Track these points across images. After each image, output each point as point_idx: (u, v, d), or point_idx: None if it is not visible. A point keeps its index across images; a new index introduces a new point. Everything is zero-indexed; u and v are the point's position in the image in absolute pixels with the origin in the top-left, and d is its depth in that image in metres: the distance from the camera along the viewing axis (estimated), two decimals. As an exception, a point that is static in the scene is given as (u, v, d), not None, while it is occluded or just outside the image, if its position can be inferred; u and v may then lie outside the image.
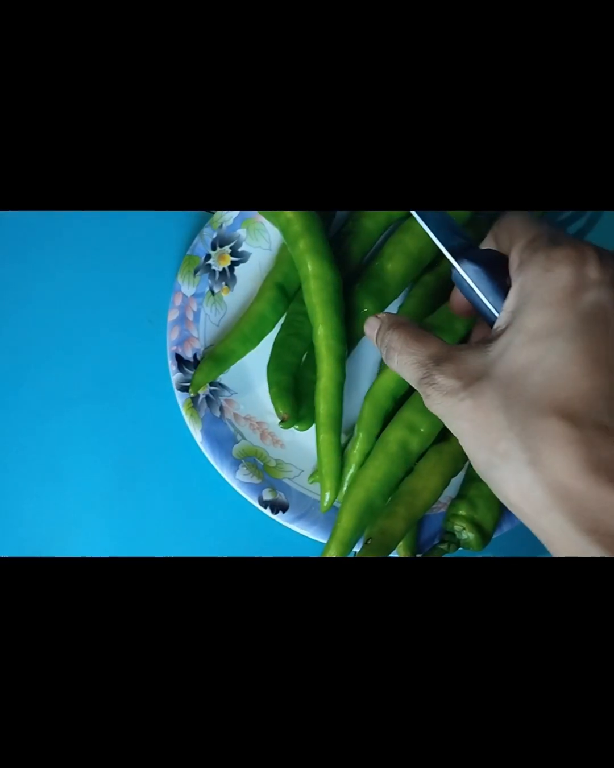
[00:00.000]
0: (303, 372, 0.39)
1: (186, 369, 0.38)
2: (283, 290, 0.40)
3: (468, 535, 0.36)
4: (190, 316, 0.40)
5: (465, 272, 0.28)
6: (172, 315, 0.39)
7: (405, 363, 0.27)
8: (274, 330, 0.40)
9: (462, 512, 0.37)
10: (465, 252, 0.29)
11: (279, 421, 0.37)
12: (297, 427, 0.38)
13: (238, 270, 0.41)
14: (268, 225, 0.42)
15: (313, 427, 0.37)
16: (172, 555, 0.38)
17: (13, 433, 0.39)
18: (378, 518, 0.35)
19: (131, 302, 0.41)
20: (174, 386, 0.38)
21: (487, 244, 0.30)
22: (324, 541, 0.37)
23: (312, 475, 0.39)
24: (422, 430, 0.35)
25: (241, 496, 0.38)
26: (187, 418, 0.38)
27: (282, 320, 0.40)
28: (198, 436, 0.38)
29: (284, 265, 0.40)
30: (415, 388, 0.27)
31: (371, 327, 0.31)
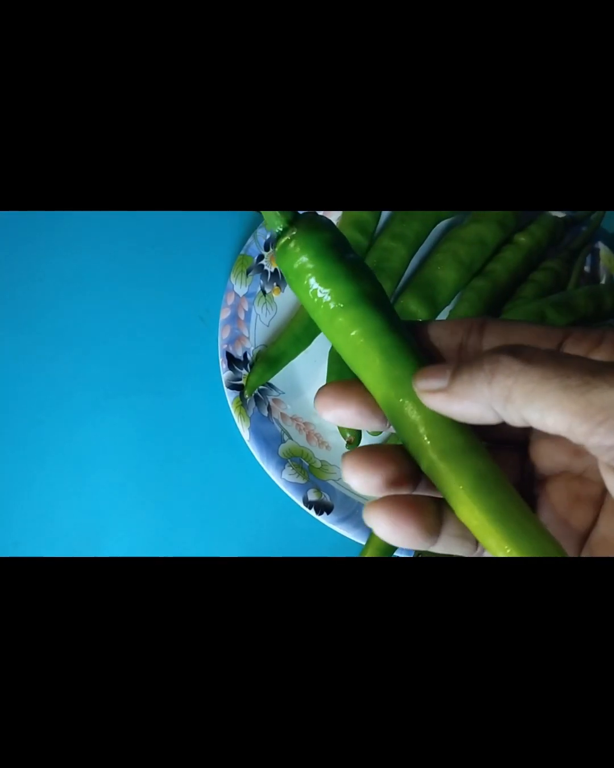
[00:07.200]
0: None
1: (236, 367, 0.39)
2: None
3: None
4: (242, 316, 0.40)
5: None
6: (224, 314, 0.40)
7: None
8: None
9: None
10: None
11: (346, 443, 0.37)
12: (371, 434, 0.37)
13: (290, 272, 0.42)
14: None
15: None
16: (214, 550, 0.38)
17: (63, 426, 0.39)
18: None
19: (184, 300, 0.42)
20: (224, 384, 0.39)
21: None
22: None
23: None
24: None
25: (285, 496, 0.38)
26: (235, 415, 0.38)
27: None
28: (246, 434, 0.38)
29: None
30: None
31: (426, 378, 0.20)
